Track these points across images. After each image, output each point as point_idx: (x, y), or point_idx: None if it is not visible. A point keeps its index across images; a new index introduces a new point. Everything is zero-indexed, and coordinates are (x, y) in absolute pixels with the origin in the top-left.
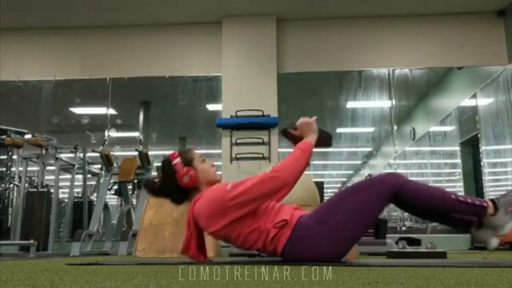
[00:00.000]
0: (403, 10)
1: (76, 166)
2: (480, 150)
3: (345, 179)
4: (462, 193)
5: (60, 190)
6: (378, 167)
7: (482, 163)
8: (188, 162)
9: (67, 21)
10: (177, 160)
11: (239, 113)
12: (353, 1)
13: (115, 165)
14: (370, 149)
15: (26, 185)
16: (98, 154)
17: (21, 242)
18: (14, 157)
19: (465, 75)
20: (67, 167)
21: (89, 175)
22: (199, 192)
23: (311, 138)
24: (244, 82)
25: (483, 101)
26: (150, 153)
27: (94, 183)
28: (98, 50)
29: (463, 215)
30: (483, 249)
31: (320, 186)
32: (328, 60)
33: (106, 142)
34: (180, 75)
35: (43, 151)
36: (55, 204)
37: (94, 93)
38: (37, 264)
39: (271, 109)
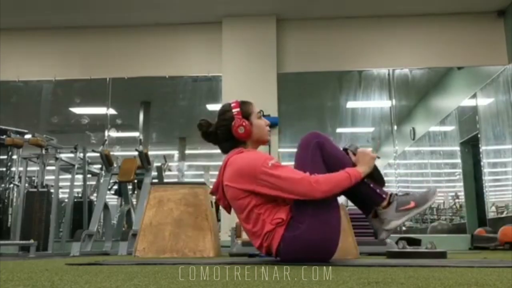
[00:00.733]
0: (403, 10)
1: (76, 166)
2: (480, 150)
3: None
4: (462, 195)
5: (60, 190)
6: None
7: (482, 163)
8: (246, 114)
9: (67, 21)
10: (237, 110)
11: None
12: (353, 1)
13: (115, 165)
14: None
15: (26, 185)
16: (98, 154)
17: (21, 242)
18: (14, 157)
19: (465, 75)
20: (67, 167)
21: (89, 175)
22: (247, 146)
23: (364, 170)
24: (244, 82)
25: (483, 101)
26: (150, 153)
27: (94, 183)
28: (98, 50)
29: (365, 197)
30: (483, 249)
31: None
32: (328, 60)
33: (106, 142)
34: (180, 75)
35: (43, 151)
36: (55, 204)
37: (94, 93)
38: (37, 264)
39: (271, 109)
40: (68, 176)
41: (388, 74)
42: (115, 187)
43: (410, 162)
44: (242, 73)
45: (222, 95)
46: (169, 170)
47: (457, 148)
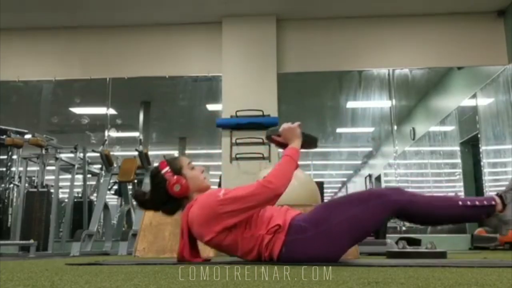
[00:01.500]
0: (403, 10)
1: (76, 166)
2: (480, 150)
3: (345, 179)
4: (462, 195)
5: (60, 190)
6: (378, 167)
7: (482, 163)
8: (177, 170)
9: (67, 21)
10: (166, 169)
11: (239, 113)
12: (353, 1)
13: (115, 165)
14: (370, 149)
15: (26, 185)
16: (98, 154)
17: (21, 242)
18: (14, 157)
19: (465, 75)
20: (67, 167)
21: (89, 175)
22: (191, 200)
23: (296, 143)
24: (244, 82)
25: (483, 101)
26: (150, 153)
27: (94, 183)
28: (98, 50)
29: (473, 217)
30: (483, 249)
31: (320, 186)
32: (328, 60)
33: (106, 142)
34: (180, 75)
35: (43, 151)
36: (55, 204)
37: (94, 93)
38: (37, 264)
39: (271, 109)
40: (68, 176)
41: (388, 74)
42: (115, 187)
43: (410, 162)
44: (242, 73)
45: (222, 95)
46: None
47: (457, 148)
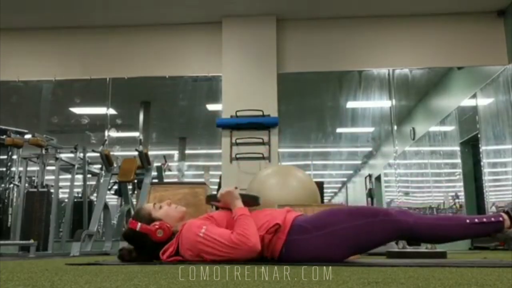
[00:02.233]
0: (403, 10)
1: (76, 166)
2: (480, 150)
3: (345, 179)
4: (462, 195)
5: (60, 190)
6: (378, 167)
7: (482, 163)
8: (148, 219)
9: (67, 21)
10: (139, 225)
11: (239, 113)
12: (353, 1)
13: (115, 165)
14: (370, 149)
15: (26, 185)
16: (98, 154)
17: (21, 242)
18: (14, 157)
19: (465, 75)
20: (67, 167)
21: (89, 175)
22: (177, 231)
23: (237, 204)
24: (244, 82)
25: (483, 101)
26: (150, 153)
27: (94, 183)
28: (98, 50)
29: (481, 234)
30: (483, 249)
31: (320, 186)
32: (328, 60)
33: (106, 142)
34: (180, 75)
35: (43, 151)
36: (55, 204)
37: (94, 93)
38: (37, 264)
39: (271, 109)
40: (68, 176)
41: (388, 74)
42: (115, 187)
43: (410, 162)
44: (242, 73)
45: (222, 95)
46: (169, 170)
47: (457, 148)
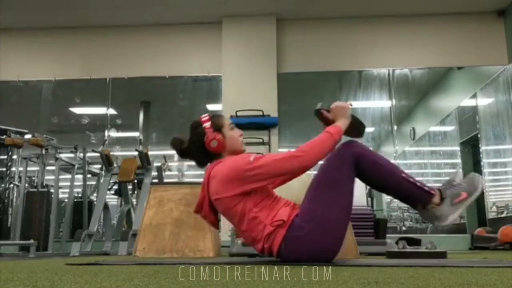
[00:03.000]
0: (403, 10)
1: (76, 166)
2: (480, 150)
3: None
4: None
5: (60, 190)
6: None
7: (482, 163)
8: (218, 127)
9: (67, 21)
10: (208, 124)
11: (239, 113)
12: (353, 1)
13: (115, 165)
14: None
15: (26, 185)
16: (98, 154)
17: (21, 242)
18: (14, 157)
19: (465, 75)
20: (67, 167)
21: (89, 175)
22: (221, 158)
23: (342, 123)
24: (244, 82)
25: (483, 101)
26: (150, 153)
27: (94, 183)
28: (98, 50)
29: (410, 197)
30: (483, 249)
31: None
32: (328, 60)
33: (106, 142)
34: (180, 75)
35: (43, 151)
36: (55, 204)
37: (94, 93)
38: (37, 264)
39: (271, 109)
40: (68, 176)
41: (388, 74)
42: (115, 187)
43: (410, 162)
44: (242, 73)
45: (222, 95)
46: (169, 170)
47: (457, 148)
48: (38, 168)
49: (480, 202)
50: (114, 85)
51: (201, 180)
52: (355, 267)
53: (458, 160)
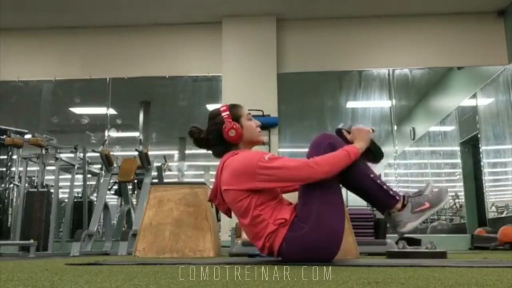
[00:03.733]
0: (403, 10)
1: (76, 166)
2: (480, 150)
3: None
4: (462, 195)
5: (60, 190)
6: (378, 167)
7: (482, 163)
8: (236, 117)
9: (67, 21)
10: (227, 113)
11: None
12: (353, 1)
13: (115, 165)
14: None
15: (26, 185)
16: (98, 154)
17: (21, 242)
18: (14, 157)
19: (465, 75)
20: (67, 167)
21: (89, 175)
22: (238, 148)
23: (360, 145)
24: (244, 82)
25: (483, 101)
26: (150, 153)
27: (94, 183)
28: (98, 50)
29: (376, 200)
30: (483, 249)
31: None
32: (328, 60)
33: (106, 142)
34: (180, 75)
35: (43, 151)
36: (55, 204)
37: (94, 93)
38: (37, 264)
39: (271, 109)
40: (68, 176)
41: (388, 74)
42: (115, 187)
43: (410, 162)
44: (242, 73)
45: (222, 95)
46: (169, 170)
47: (457, 148)
48: (38, 168)
49: (480, 202)
50: (114, 85)
51: (201, 180)
52: (355, 267)
53: (458, 160)
